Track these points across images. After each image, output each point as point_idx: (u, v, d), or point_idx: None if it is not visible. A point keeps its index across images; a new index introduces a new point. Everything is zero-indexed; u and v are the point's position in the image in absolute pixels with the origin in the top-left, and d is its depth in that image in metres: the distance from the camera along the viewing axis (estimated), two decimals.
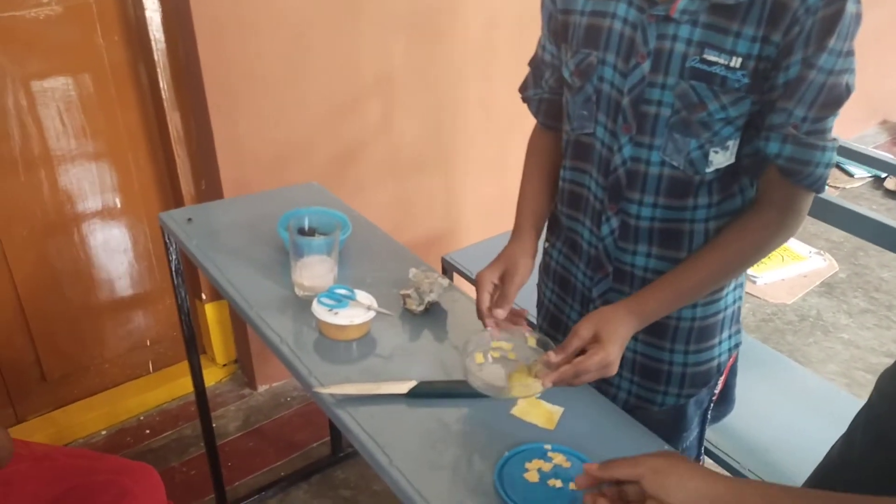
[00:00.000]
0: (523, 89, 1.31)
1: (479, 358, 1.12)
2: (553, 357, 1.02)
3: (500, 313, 1.10)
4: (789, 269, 3.42)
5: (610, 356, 1.00)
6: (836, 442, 1.04)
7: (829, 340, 3.00)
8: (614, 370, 1.01)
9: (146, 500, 1.59)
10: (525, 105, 1.33)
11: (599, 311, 1.06)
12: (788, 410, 1.77)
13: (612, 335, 1.01)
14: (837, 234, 3.74)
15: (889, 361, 2.94)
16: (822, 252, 3.60)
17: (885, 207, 4.09)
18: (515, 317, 1.14)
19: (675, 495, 0.73)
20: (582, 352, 1.02)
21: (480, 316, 1.13)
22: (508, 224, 2.60)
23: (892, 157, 2.32)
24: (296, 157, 2.26)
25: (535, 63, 1.27)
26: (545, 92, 1.26)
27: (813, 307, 3.22)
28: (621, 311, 1.05)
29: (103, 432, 2.34)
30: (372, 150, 2.45)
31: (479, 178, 2.83)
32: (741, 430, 1.66)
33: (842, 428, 1.07)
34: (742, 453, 1.60)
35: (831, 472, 1.04)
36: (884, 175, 4.52)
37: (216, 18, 1.93)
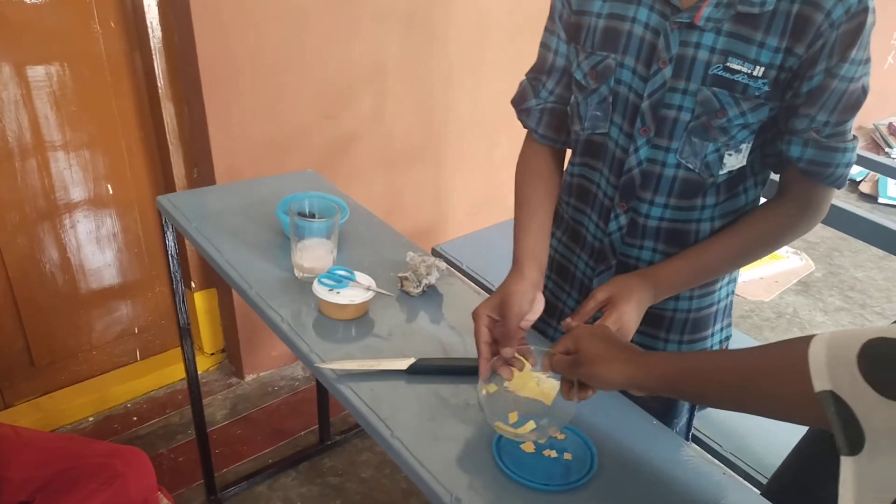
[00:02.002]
0: (520, 101, 1.25)
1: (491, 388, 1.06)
2: (570, 321, 1.04)
3: (508, 352, 1.04)
4: (767, 268, 3.50)
5: (624, 316, 1.03)
6: None
7: None
8: (631, 332, 1.05)
9: (137, 483, 1.60)
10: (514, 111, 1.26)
11: (615, 278, 1.10)
12: None
13: (627, 297, 1.05)
14: (814, 235, 3.84)
15: None
16: (799, 252, 3.69)
17: (860, 210, 4.19)
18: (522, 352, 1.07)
19: (603, 382, 0.92)
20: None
21: (477, 350, 1.07)
22: (495, 218, 2.65)
23: (872, 154, 2.39)
24: (288, 146, 2.28)
25: (534, 75, 1.23)
26: (547, 102, 1.22)
27: (790, 305, 3.30)
28: (636, 277, 1.09)
29: (91, 419, 2.35)
30: (364, 141, 2.48)
31: (467, 173, 2.87)
32: (722, 417, 1.72)
33: None
34: (723, 437, 1.66)
35: (815, 442, 1.09)
36: (859, 178, 4.63)
37: (214, 8, 1.95)
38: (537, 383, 1.05)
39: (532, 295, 1.09)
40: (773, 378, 0.75)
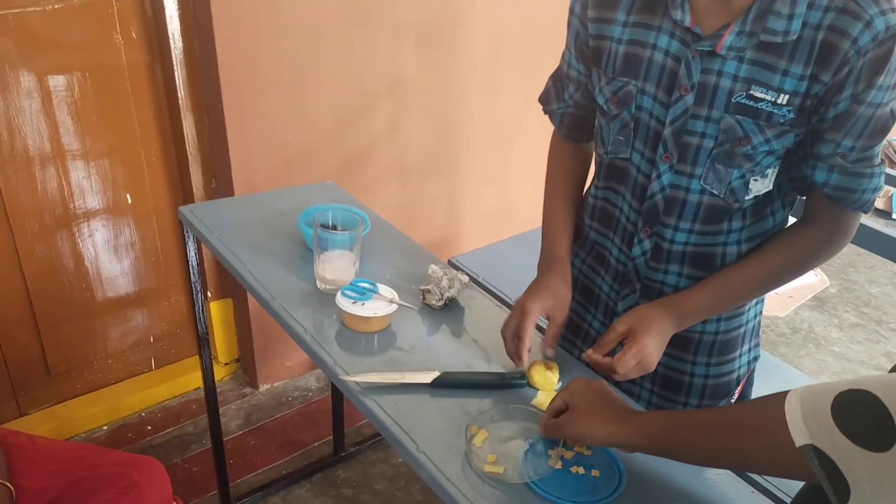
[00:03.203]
0: (545, 101, 1.30)
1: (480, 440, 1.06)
2: (591, 352, 1.06)
3: (551, 353, 1.16)
4: None
5: (645, 349, 1.04)
6: None
7: (821, 353, 3.06)
8: (652, 364, 1.06)
9: (152, 493, 1.60)
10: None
11: (636, 309, 1.11)
12: None
13: (647, 328, 1.05)
14: None
15: (879, 374, 3.00)
16: None
17: (876, 224, 4.17)
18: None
19: (588, 439, 0.96)
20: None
21: (518, 340, 1.14)
22: (508, 231, 2.64)
23: (887, 169, 2.38)
24: (305, 159, 2.29)
25: (558, 77, 1.26)
26: (568, 106, 1.24)
27: (805, 320, 3.28)
28: (658, 307, 1.09)
29: (105, 428, 2.35)
30: (380, 153, 2.49)
31: (480, 186, 2.87)
32: None
33: None
34: None
35: None
36: None
37: (235, 20, 1.96)
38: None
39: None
40: (756, 436, 0.76)
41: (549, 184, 1.31)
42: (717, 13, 0.99)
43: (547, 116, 1.31)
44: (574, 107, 1.24)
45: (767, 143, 1.02)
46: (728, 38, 0.98)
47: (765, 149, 1.02)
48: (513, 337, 1.15)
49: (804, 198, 1.13)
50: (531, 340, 1.15)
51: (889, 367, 2.86)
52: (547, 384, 1.15)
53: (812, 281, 3.56)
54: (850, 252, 3.76)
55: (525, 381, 1.17)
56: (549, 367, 1.17)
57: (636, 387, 1.27)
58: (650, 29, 1.05)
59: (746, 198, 1.08)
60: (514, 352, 1.15)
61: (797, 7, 0.94)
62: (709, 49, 0.99)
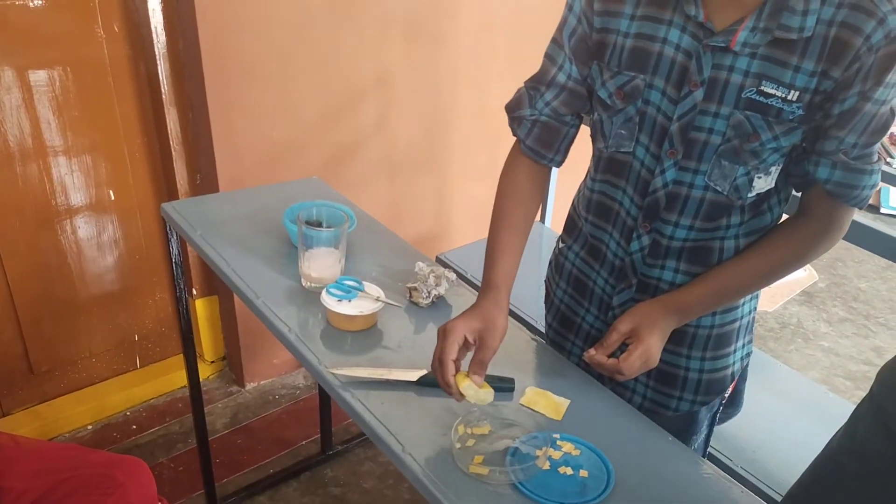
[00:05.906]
0: (514, 108, 1.21)
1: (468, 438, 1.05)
2: (593, 353, 1.05)
3: (478, 380, 1.03)
4: None
5: (650, 349, 1.04)
6: (836, 434, 1.07)
7: (810, 348, 3.06)
8: (655, 362, 1.05)
9: (137, 494, 1.57)
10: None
11: (637, 307, 1.09)
12: (777, 411, 1.81)
13: (651, 328, 1.05)
14: None
15: (867, 369, 3.01)
16: None
17: (864, 219, 4.18)
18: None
19: None
20: (623, 346, 1.07)
21: (442, 366, 1.02)
22: None
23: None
24: (290, 154, 2.27)
25: (536, 82, 1.18)
26: (542, 114, 1.17)
27: (793, 315, 3.28)
28: (658, 305, 1.09)
29: (89, 427, 2.32)
30: (368, 149, 2.46)
31: (469, 182, 2.85)
32: (734, 432, 1.69)
33: (826, 427, 1.11)
34: (734, 452, 1.63)
35: (830, 462, 1.07)
36: None
37: (219, 14, 1.93)
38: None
39: (506, 326, 1.09)
40: None
41: (498, 204, 1.21)
42: (730, 8, 0.97)
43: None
44: (549, 114, 1.17)
45: (775, 139, 1.01)
46: (742, 34, 0.96)
47: (772, 145, 1.01)
48: (439, 364, 1.03)
49: (798, 193, 1.13)
50: (453, 358, 1.02)
51: (879, 362, 2.87)
52: (476, 398, 1.03)
53: (801, 276, 3.56)
54: (838, 247, 3.76)
55: (513, 385, 1.15)
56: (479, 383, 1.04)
57: (632, 381, 1.25)
58: (660, 23, 1.03)
59: (749, 195, 1.07)
60: (440, 380, 1.03)
61: (811, 3, 0.93)
62: (722, 45, 0.98)
